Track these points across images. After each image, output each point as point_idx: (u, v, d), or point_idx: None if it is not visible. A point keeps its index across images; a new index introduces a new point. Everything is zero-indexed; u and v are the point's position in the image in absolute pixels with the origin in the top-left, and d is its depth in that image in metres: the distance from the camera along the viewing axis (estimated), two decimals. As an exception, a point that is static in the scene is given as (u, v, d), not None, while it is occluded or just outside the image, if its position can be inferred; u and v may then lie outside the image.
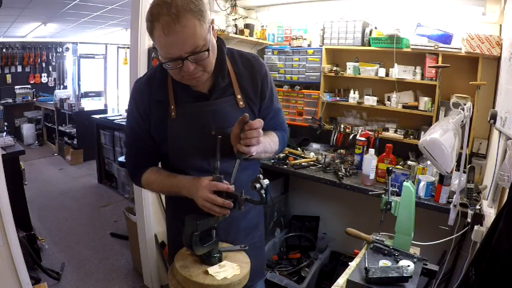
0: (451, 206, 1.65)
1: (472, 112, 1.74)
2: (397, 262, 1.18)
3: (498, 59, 2.04)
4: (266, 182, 0.93)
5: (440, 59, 2.24)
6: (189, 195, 0.99)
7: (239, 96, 1.08)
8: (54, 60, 7.33)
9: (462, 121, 1.52)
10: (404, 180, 1.34)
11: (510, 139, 1.36)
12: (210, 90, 1.06)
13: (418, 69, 2.39)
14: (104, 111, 6.37)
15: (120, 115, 4.89)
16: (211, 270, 0.91)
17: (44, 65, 7.20)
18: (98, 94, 7.58)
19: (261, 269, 1.38)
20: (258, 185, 0.91)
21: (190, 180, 1.00)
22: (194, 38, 0.87)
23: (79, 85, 7.06)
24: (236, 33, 2.71)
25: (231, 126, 0.99)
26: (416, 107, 2.43)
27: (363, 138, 2.42)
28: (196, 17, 0.86)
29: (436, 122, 2.07)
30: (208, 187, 0.93)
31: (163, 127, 1.07)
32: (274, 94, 1.19)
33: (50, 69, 7.33)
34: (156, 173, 1.12)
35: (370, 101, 2.57)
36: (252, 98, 1.11)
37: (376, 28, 2.57)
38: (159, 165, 1.19)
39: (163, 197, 2.46)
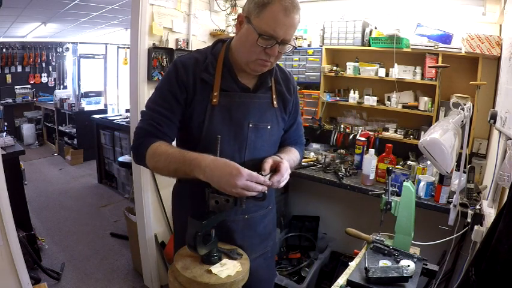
0: (451, 206, 1.65)
1: (472, 112, 1.74)
2: (397, 262, 1.18)
3: (498, 59, 2.04)
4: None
5: (440, 59, 2.24)
6: (207, 177, 0.91)
7: (274, 96, 1.18)
8: (54, 60, 7.32)
9: (462, 121, 1.52)
10: (404, 180, 1.34)
11: (510, 139, 1.36)
12: (256, 86, 1.14)
13: (418, 69, 2.39)
14: (104, 111, 6.36)
15: (120, 115, 4.89)
16: (215, 269, 0.90)
17: (44, 65, 7.19)
18: (98, 94, 7.58)
19: (270, 283, 1.37)
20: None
21: (218, 160, 0.93)
22: (294, 31, 1.02)
23: (79, 85, 7.05)
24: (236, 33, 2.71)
25: (265, 122, 1.14)
26: (416, 107, 2.42)
27: (363, 138, 2.42)
28: (299, 16, 1.01)
29: (436, 122, 2.07)
30: (249, 177, 0.89)
31: (201, 110, 1.07)
32: (299, 108, 1.32)
33: (50, 69, 7.33)
34: (167, 145, 1.04)
35: (370, 101, 2.57)
36: (283, 104, 1.21)
37: (376, 28, 2.57)
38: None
39: (163, 196, 2.46)
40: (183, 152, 0.99)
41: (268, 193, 1.00)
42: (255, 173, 0.91)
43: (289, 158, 1.17)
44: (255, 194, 0.91)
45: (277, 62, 1.21)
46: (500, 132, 1.62)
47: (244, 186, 0.88)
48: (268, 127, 1.15)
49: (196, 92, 1.07)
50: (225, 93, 1.09)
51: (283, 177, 1.01)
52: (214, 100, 1.07)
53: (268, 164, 1.02)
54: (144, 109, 1.12)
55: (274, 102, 1.17)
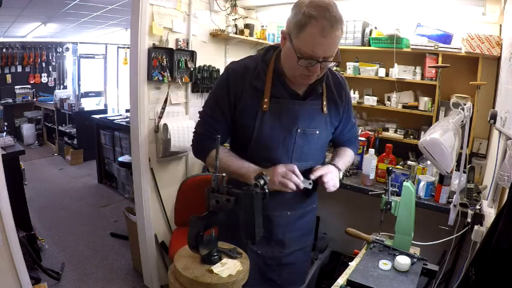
0: (451, 206, 1.65)
1: (472, 112, 1.74)
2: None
3: (498, 59, 2.05)
4: (267, 177, 0.97)
5: (440, 59, 2.24)
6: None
7: (325, 103, 1.22)
8: (54, 60, 7.32)
9: (462, 121, 1.52)
10: (404, 180, 1.34)
11: (510, 139, 1.36)
12: (306, 93, 1.19)
13: (418, 69, 2.39)
14: (104, 111, 6.36)
15: (120, 115, 4.89)
16: (216, 268, 0.90)
17: (44, 65, 7.19)
18: (98, 94, 7.58)
19: (304, 275, 1.49)
20: (261, 181, 0.94)
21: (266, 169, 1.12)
22: (335, 47, 1.02)
23: (79, 85, 7.06)
24: (236, 33, 2.71)
25: (313, 128, 1.20)
26: (416, 107, 2.43)
27: (363, 138, 2.42)
28: (341, 30, 1.00)
29: (436, 122, 2.07)
30: (284, 175, 1.09)
31: (251, 115, 1.15)
32: (352, 110, 1.39)
33: (50, 69, 7.32)
34: (227, 151, 1.22)
35: (370, 101, 2.57)
36: (335, 110, 1.26)
37: (376, 28, 2.57)
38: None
39: (163, 196, 2.46)
40: (243, 161, 1.16)
41: (312, 192, 1.30)
42: (289, 172, 1.09)
43: (344, 162, 1.32)
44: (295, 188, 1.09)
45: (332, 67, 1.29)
46: (500, 132, 1.62)
47: (284, 174, 1.08)
48: (317, 132, 1.21)
49: (245, 98, 1.15)
50: (276, 99, 1.15)
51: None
52: (264, 106, 1.14)
53: (318, 172, 1.16)
54: (201, 109, 1.26)
55: (324, 109, 1.22)
